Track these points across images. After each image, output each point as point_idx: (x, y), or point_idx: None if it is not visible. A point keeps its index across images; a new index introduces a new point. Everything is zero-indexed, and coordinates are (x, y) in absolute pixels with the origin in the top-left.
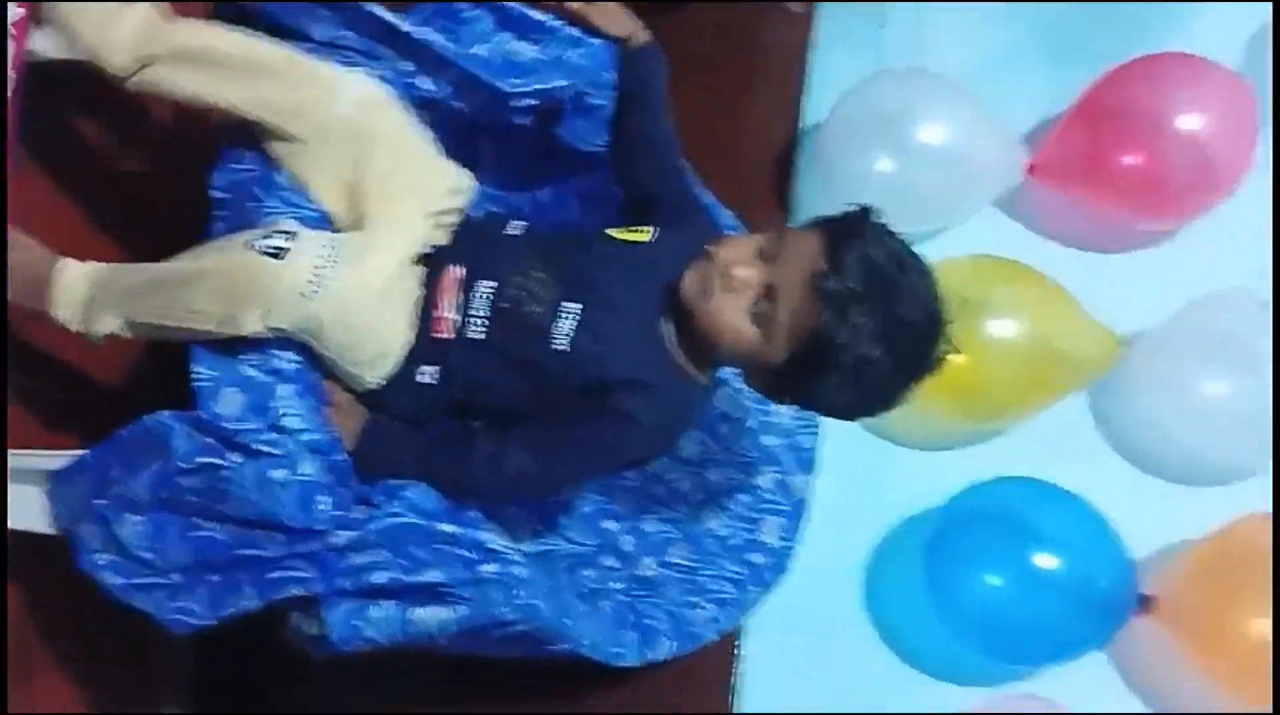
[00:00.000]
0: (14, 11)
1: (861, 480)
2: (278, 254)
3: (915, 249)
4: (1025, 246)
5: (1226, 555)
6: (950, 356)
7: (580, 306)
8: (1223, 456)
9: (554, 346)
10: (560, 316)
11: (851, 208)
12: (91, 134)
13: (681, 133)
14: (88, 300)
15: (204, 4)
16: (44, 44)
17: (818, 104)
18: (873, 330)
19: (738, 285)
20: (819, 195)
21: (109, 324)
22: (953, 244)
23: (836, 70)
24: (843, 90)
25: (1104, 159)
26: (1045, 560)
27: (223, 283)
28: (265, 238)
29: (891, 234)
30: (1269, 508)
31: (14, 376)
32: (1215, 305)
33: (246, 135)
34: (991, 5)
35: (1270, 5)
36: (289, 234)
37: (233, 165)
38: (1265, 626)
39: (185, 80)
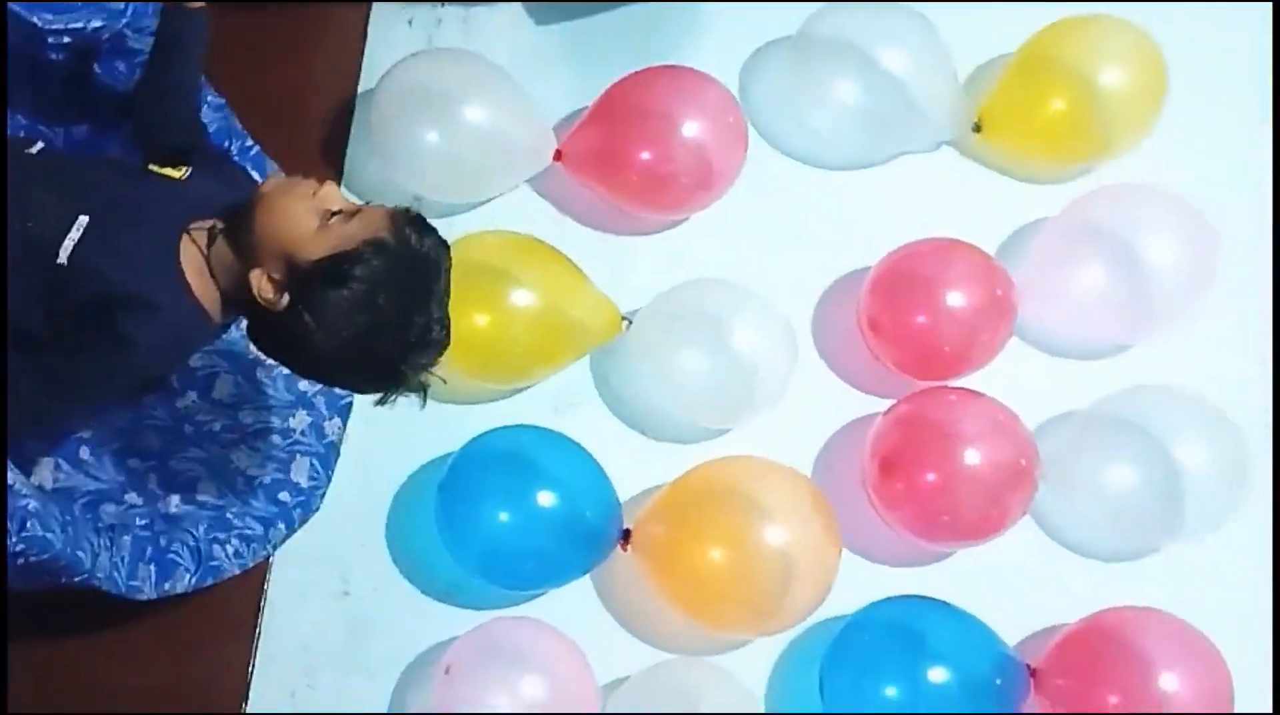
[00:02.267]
0: None
1: (393, 428)
2: None
3: (456, 218)
4: (552, 224)
5: (684, 497)
6: (425, 379)
7: (88, 219)
8: (694, 417)
9: (57, 261)
10: (70, 231)
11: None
12: None
13: (242, 88)
14: None
15: None
16: None
17: (376, 70)
18: (377, 305)
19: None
20: (369, 158)
21: None
22: (490, 216)
23: (396, 41)
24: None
25: (618, 153)
26: (545, 498)
27: None
28: None
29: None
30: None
31: None
32: (696, 289)
33: None
34: (531, 6)
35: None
36: None
37: None
38: (712, 555)
39: None
